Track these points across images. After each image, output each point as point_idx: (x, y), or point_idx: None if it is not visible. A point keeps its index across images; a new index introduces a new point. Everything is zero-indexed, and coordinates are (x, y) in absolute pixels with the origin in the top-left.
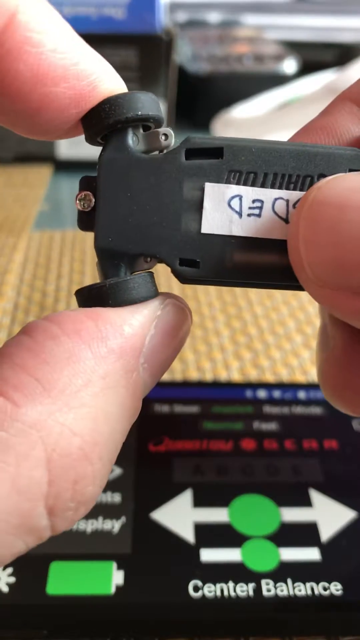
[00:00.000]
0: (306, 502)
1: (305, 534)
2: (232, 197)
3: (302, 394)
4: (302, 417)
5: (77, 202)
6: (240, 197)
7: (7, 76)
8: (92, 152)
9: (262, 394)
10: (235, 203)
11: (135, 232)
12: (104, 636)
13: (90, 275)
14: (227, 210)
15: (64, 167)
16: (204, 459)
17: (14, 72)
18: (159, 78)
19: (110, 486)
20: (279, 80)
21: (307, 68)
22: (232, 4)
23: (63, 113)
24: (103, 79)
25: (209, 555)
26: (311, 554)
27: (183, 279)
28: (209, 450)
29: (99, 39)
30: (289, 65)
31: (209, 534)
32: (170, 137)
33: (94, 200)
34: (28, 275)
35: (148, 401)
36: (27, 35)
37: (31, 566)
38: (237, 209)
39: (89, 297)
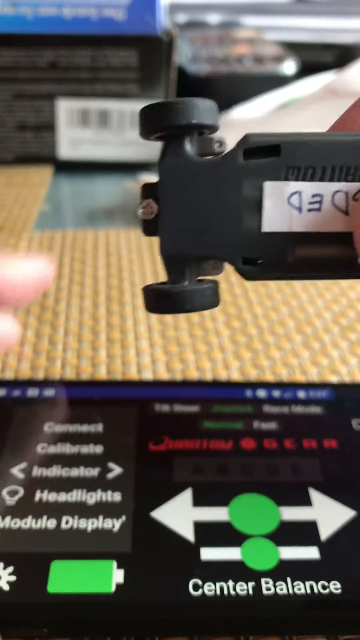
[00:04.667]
0: (306, 501)
1: (305, 532)
2: (292, 194)
3: (302, 394)
4: (302, 417)
5: (141, 210)
6: (300, 193)
7: None
8: (92, 153)
9: (262, 393)
10: (295, 199)
11: (199, 235)
12: (104, 634)
13: (90, 275)
14: (286, 207)
15: (65, 167)
16: (204, 459)
17: None
18: (159, 79)
19: (111, 485)
20: (279, 81)
21: (307, 69)
22: (232, 5)
23: None
24: None
25: (208, 554)
26: (310, 552)
27: (247, 277)
28: (209, 449)
29: (100, 40)
30: (289, 67)
31: (209, 533)
32: (224, 145)
33: (156, 207)
34: None
35: (148, 400)
36: None
37: (32, 565)
38: (297, 205)
39: (152, 297)
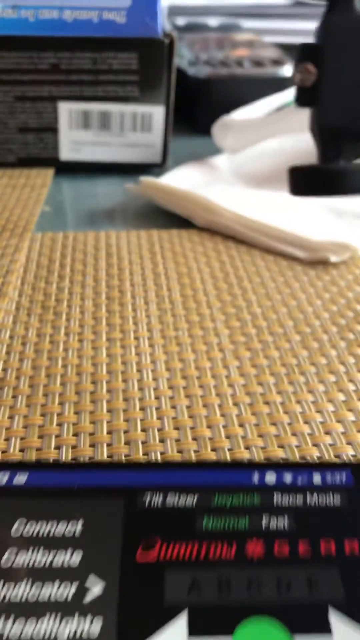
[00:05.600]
0: (324, 627)
1: None
2: None
3: (317, 478)
4: (318, 510)
5: (297, 75)
6: None
7: None
8: (93, 155)
9: (271, 478)
10: None
11: None
12: None
13: (91, 276)
14: None
15: (66, 169)
16: (202, 570)
17: None
18: (159, 82)
19: (90, 608)
20: (279, 83)
21: None
22: (231, 8)
23: None
24: None
25: None
26: None
27: None
28: (207, 558)
29: (100, 43)
30: (288, 69)
31: None
32: None
33: (315, 72)
34: (30, 277)
35: (137, 490)
36: None
37: None
38: None
39: (305, 177)
